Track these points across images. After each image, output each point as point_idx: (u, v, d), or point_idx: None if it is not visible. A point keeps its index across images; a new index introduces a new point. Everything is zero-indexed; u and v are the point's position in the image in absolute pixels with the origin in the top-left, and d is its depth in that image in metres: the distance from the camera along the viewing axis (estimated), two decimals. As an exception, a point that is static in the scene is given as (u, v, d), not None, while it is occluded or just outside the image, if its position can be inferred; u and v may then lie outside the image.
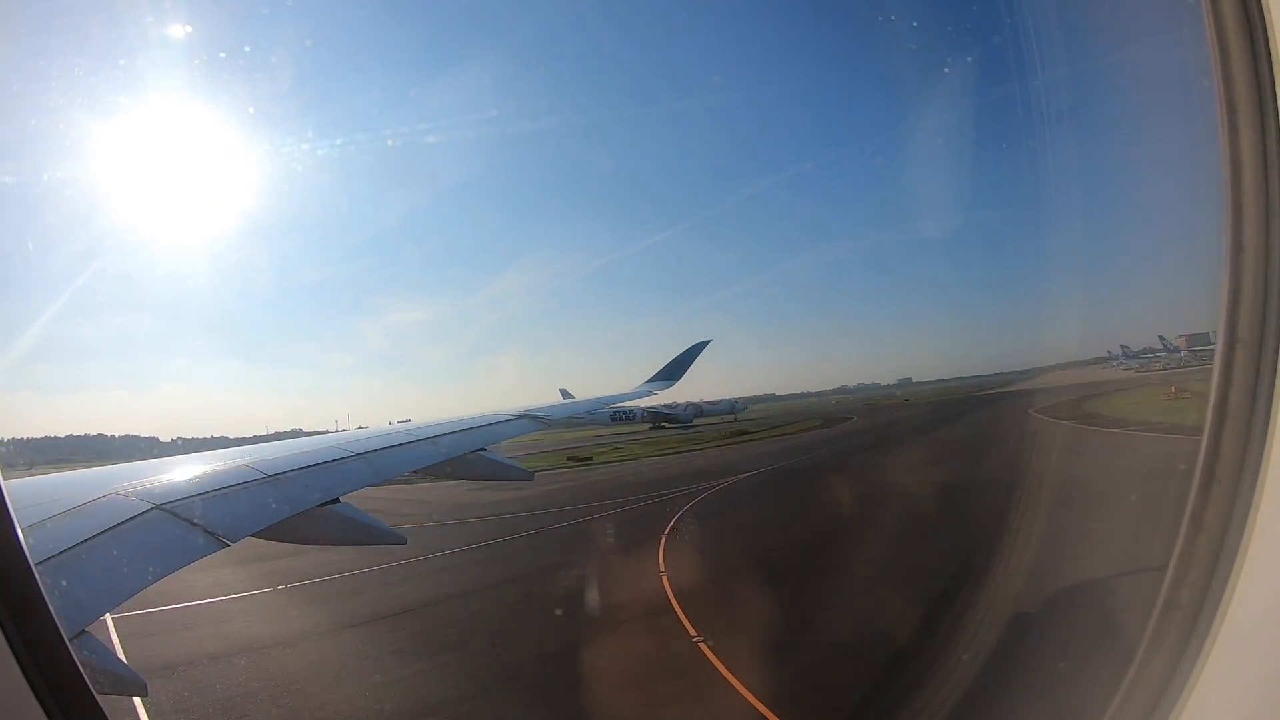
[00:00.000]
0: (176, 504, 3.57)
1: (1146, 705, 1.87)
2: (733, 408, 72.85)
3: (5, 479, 1.92)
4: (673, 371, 10.94)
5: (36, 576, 1.88)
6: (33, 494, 3.49)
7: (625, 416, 70.48)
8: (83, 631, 2.60)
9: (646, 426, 68.04)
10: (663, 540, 16.20)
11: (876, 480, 24.01)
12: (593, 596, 12.20)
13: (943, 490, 18.36)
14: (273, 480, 4.28)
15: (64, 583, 2.65)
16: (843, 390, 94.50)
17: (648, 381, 10.85)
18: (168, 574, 3.17)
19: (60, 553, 2.82)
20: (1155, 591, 1.91)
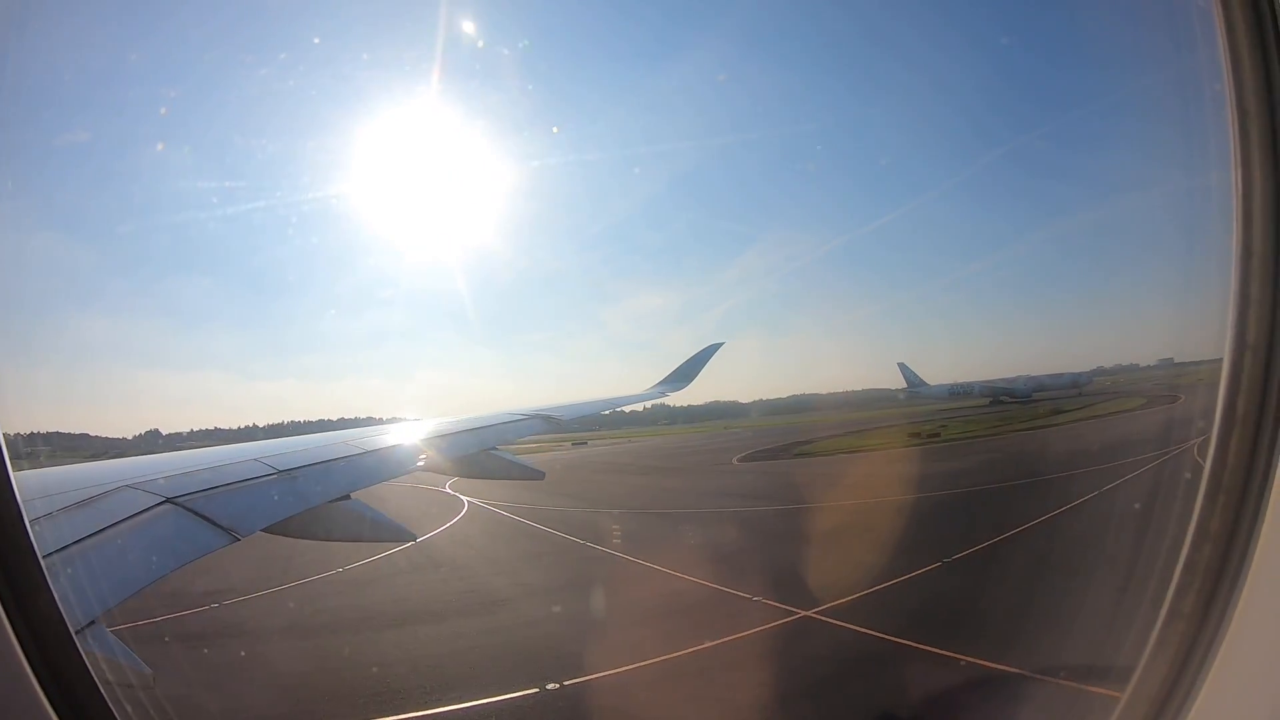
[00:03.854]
0: (188, 498, 3.62)
1: (1148, 715, 1.84)
2: (1075, 381, 68.06)
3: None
4: (686, 373, 11.02)
5: (44, 568, 1.92)
6: (45, 486, 3.55)
7: (963, 392, 73.02)
8: (92, 623, 2.64)
9: (986, 401, 67.74)
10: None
11: None
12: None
13: None
14: (284, 476, 4.33)
15: (72, 575, 2.70)
16: (1100, 371, 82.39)
17: (660, 383, 10.87)
18: (177, 567, 3.22)
19: (70, 544, 2.86)
20: (1160, 600, 1.88)
